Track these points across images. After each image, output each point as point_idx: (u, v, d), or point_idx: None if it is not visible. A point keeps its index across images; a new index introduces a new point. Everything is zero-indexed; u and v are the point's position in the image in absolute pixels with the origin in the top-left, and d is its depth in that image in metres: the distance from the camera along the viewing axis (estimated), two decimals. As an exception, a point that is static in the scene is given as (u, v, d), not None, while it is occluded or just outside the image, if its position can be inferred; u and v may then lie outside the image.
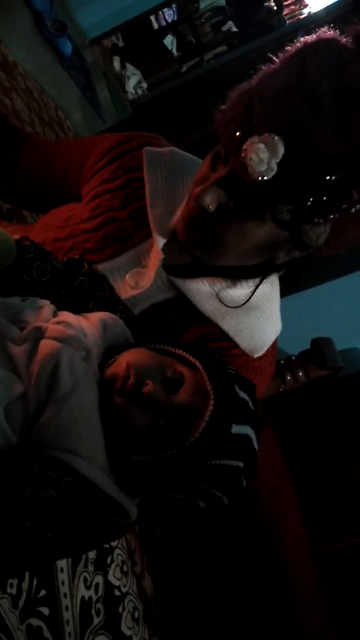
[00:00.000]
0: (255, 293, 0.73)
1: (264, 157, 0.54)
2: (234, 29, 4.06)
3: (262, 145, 0.54)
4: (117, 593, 1.37)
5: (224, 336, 0.73)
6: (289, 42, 0.60)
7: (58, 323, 0.55)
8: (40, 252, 0.61)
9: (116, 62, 3.57)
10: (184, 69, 3.87)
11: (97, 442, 0.52)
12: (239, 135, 0.57)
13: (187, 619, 1.62)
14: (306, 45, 0.59)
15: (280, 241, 0.64)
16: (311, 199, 0.56)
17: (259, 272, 0.71)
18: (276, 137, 0.54)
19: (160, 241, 0.73)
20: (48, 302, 0.59)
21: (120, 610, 1.36)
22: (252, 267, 0.70)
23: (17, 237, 0.61)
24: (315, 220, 0.59)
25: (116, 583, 1.38)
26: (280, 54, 0.61)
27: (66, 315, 0.58)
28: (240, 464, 0.56)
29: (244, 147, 0.55)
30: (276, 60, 0.60)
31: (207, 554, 1.70)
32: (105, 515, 0.52)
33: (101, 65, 3.34)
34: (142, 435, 0.54)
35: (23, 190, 0.90)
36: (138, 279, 0.73)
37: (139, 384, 0.53)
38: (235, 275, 0.72)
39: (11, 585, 0.95)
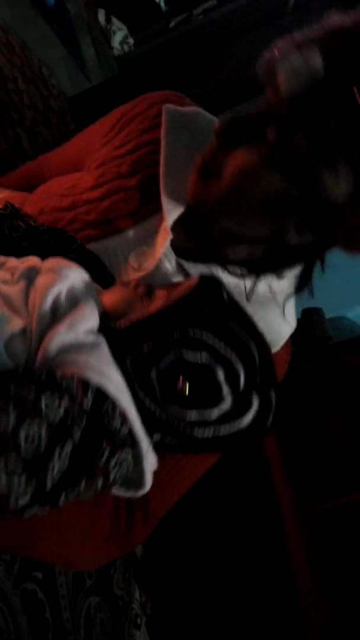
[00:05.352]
0: (272, 287, 0.69)
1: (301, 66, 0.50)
2: (225, -18, 3.90)
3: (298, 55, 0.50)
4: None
5: None
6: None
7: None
8: (18, 212, 0.59)
9: (101, 16, 3.41)
10: (172, 24, 3.72)
11: (104, 355, 0.48)
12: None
13: (179, 587, 1.67)
14: None
15: (288, 197, 0.57)
16: (333, 126, 0.50)
17: (273, 263, 0.66)
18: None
19: (170, 217, 0.64)
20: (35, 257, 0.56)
21: (111, 572, 1.39)
22: (266, 256, 0.64)
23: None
24: (334, 160, 0.51)
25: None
26: None
27: (55, 258, 0.55)
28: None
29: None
30: None
31: (201, 526, 1.73)
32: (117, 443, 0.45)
33: (85, 17, 3.19)
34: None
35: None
36: (142, 260, 0.65)
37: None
38: (249, 264, 0.66)
39: (6, 552, 0.96)
